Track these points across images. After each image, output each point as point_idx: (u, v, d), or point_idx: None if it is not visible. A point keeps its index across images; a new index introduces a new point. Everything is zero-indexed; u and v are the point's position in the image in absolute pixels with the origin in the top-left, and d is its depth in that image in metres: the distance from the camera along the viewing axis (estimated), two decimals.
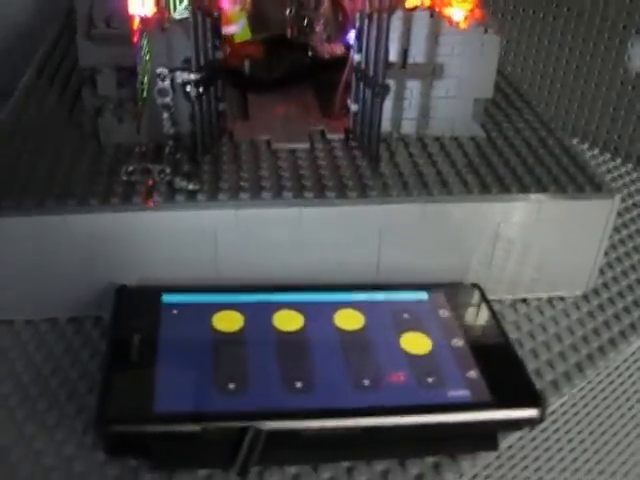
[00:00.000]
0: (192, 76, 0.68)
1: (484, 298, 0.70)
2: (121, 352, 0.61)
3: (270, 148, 0.75)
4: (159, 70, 0.69)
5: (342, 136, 0.77)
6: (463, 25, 0.74)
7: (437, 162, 0.74)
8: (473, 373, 0.62)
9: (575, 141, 1.04)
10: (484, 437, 0.61)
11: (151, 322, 0.64)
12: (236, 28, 0.81)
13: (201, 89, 0.69)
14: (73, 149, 0.73)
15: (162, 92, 0.70)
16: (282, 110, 0.81)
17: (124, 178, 0.68)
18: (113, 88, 0.73)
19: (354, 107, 0.75)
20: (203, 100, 0.70)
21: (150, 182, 0.67)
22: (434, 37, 0.73)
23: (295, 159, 0.73)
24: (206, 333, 0.64)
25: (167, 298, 0.67)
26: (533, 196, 0.70)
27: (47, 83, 0.87)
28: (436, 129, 0.77)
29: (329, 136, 0.77)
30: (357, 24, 0.72)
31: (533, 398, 0.60)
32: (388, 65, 0.71)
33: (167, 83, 0.69)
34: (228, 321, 0.65)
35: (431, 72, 0.75)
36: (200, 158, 0.71)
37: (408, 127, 0.77)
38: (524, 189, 0.71)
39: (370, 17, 0.70)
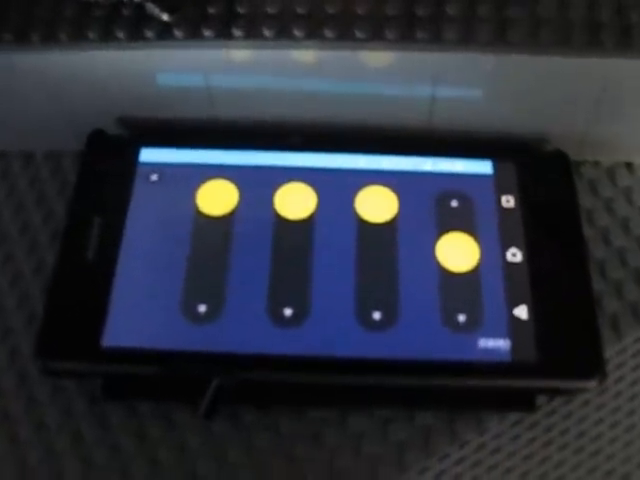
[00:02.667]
0: None
1: (569, 179, 0.51)
2: (75, 247, 0.49)
3: None
4: None
5: None
6: None
7: None
8: (523, 311, 0.46)
9: None
10: (519, 398, 0.47)
11: (120, 196, 0.50)
12: None
13: None
14: None
15: None
16: None
17: None
18: None
19: None
20: None
21: None
22: None
23: None
24: (186, 218, 0.50)
25: (146, 156, 0.52)
26: None
27: None
28: None
29: None
30: None
31: (593, 364, 0.45)
32: None
33: None
34: (217, 198, 0.50)
35: None
36: None
37: None
38: None
39: None
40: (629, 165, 0.55)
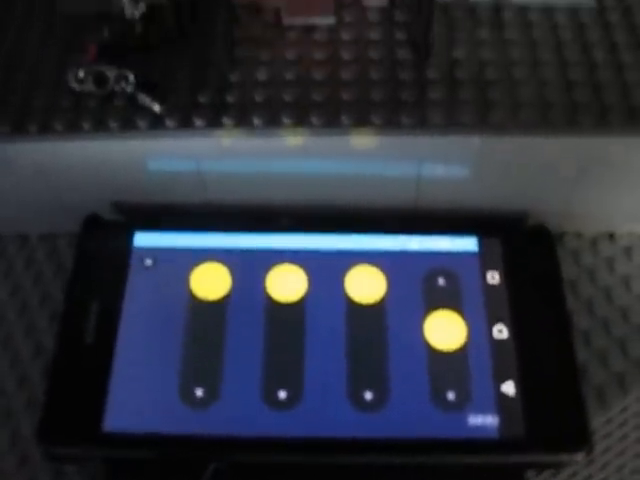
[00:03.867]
0: None
1: (553, 253, 0.53)
2: (74, 331, 0.50)
3: (279, 23, 0.54)
4: None
5: (384, 3, 0.54)
6: None
7: (514, 63, 0.51)
8: (510, 386, 0.48)
9: None
10: (508, 473, 0.48)
11: (116, 281, 0.52)
12: None
13: None
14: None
15: None
16: None
17: (74, 86, 0.51)
18: None
19: None
20: None
21: None
22: None
23: (312, 45, 0.52)
24: (181, 303, 0.51)
25: (141, 240, 0.53)
26: None
27: None
28: None
29: (366, 2, 0.54)
30: None
31: (580, 437, 0.46)
32: None
33: None
34: (210, 281, 0.52)
35: None
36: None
37: None
38: None
39: None
40: (611, 235, 0.56)
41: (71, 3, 0.54)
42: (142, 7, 0.51)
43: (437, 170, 0.52)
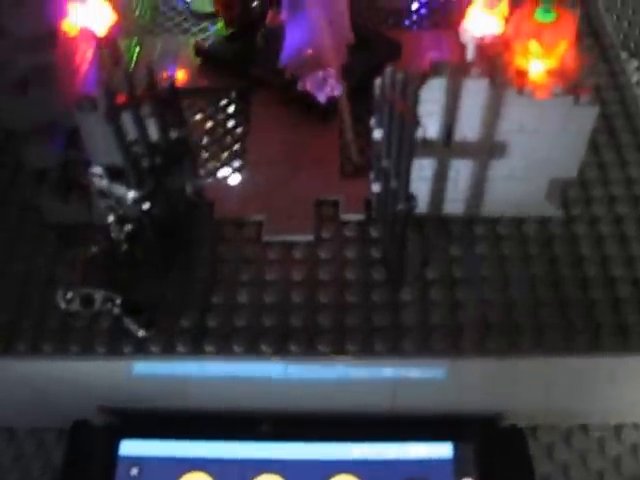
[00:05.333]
0: (130, 194, 0.49)
1: (525, 453, 0.54)
2: None
3: (259, 240, 0.56)
4: (93, 169, 0.50)
5: (361, 217, 0.56)
6: (541, 93, 0.48)
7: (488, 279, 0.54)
8: None
9: None
10: None
11: None
12: None
13: (146, 205, 0.50)
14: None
15: (102, 193, 0.51)
16: (287, 167, 0.59)
17: (62, 306, 0.53)
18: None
19: (375, 187, 0.54)
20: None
21: None
22: (495, 109, 0.49)
23: (290, 265, 0.55)
24: None
25: (126, 448, 0.55)
26: None
27: None
28: (493, 210, 0.56)
29: (343, 217, 0.56)
30: (376, 89, 0.49)
31: None
32: (425, 143, 0.50)
33: (105, 183, 0.51)
34: None
35: (488, 151, 0.51)
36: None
37: (453, 207, 0.55)
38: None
39: (392, 81, 0.47)
40: (584, 427, 0.58)
41: (56, 215, 0.57)
42: (128, 227, 0.53)
43: (412, 381, 0.53)
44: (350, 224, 0.56)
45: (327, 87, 0.56)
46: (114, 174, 0.49)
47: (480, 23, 0.56)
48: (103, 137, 0.48)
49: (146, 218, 0.50)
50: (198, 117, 0.64)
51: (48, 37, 0.51)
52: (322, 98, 0.58)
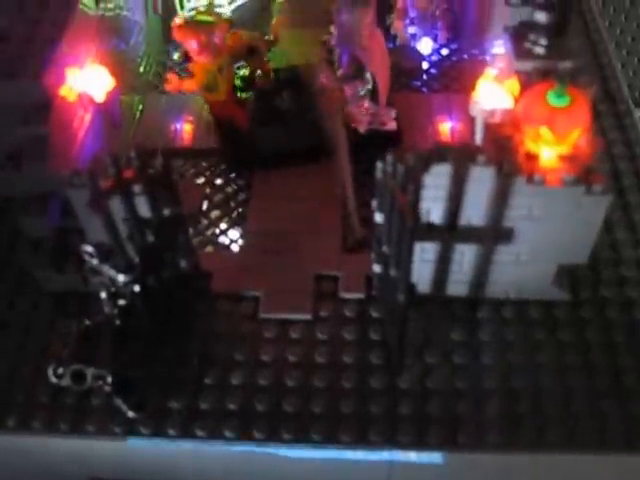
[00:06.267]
0: (121, 277, 0.48)
1: None
2: None
3: (256, 316, 0.54)
4: (85, 247, 0.49)
5: (361, 295, 0.55)
6: (551, 181, 0.47)
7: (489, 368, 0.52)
8: None
9: None
10: None
11: None
12: None
13: (137, 288, 0.48)
14: None
15: (94, 271, 0.50)
16: (287, 238, 0.57)
17: (52, 380, 0.52)
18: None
19: (376, 268, 0.52)
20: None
21: None
22: (502, 197, 0.47)
23: (286, 345, 0.53)
24: None
25: None
26: None
27: None
28: (497, 292, 0.54)
29: (343, 295, 0.55)
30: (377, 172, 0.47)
31: None
32: (428, 228, 0.48)
33: (96, 262, 0.49)
34: None
35: (494, 236, 0.50)
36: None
37: (457, 289, 0.54)
38: None
39: (394, 169, 0.45)
40: None
41: (52, 284, 0.55)
42: (121, 302, 0.52)
43: (409, 465, 0.52)
44: (350, 302, 0.54)
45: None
46: (104, 254, 0.48)
47: (490, 96, 0.54)
48: (93, 216, 0.47)
49: (138, 299, 0.49)
50: (199, 181, 0.62)
51: (44, 108, 0.50)
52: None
